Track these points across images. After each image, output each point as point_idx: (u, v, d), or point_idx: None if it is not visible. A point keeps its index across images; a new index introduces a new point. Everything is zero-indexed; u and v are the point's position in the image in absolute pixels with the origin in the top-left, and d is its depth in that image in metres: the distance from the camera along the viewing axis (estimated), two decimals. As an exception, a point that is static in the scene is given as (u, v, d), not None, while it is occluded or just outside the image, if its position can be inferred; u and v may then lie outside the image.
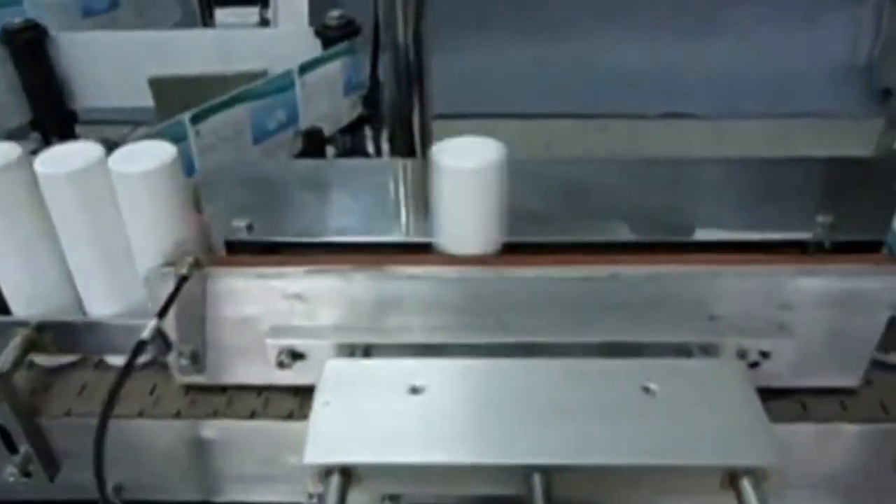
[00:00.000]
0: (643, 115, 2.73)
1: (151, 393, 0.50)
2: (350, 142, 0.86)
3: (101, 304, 0.49)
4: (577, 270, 0.44)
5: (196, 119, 0.67)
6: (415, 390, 0.42)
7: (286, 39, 0.81)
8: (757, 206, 0.52)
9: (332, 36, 0.80)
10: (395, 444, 0.39)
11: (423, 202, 0.56)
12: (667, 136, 2.73)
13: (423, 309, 0.45)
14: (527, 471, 0.38)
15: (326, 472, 0.38)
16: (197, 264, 0.44)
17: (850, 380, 0.48)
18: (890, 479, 0.49)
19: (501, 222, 0.46)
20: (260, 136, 0.74)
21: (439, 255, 0.46)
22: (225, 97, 0.70)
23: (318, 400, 0.42)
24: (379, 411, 0.41)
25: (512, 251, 0.48)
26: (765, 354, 0.45)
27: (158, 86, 0.87)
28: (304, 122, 0.77)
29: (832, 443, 0.49)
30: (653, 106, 2.77)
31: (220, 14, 0.90)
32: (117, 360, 0.51)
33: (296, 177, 0.62)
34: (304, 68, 0.75)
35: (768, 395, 0.48)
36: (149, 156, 0.44)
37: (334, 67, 0.78)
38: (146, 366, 0.50)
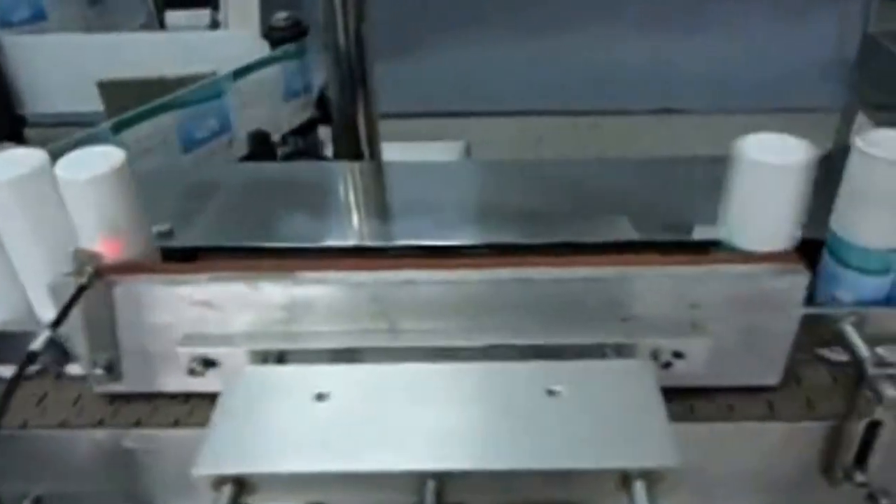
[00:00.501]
0: (635, 111, 2.73)
1: (75, 403, 0.49)
2: (303, 143, 0.86)
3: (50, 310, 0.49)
4: (485, 274, 0.44)
5: (118, 128, 0.67)
6: (320, 397, 0.42)
7: (233, 42, 0.81)
8: (676, 206, 0.52)
9: (279, 38, 0.80)
10: (291, 453, 0.39)
11: (348, 204, 0.55)
12: (659, 132, 2.73)
13: (333, 314, 0.45)
14: (420, 477, 0.38)
15: (219, 481, 0.38)
16: (98, 273, 0.43)
17: (771, 378, 0.48)
18: (815, 476, 0.49)
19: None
20: (189, 144, 0.73)
21: (348, 260, 0.46)
22: (149, 106, 0.70)
23: (218, 409, 0.41)
24: (280, 419, 0.41)
25: (428, 254, 0.48)
26: (678, 354, 0.45)
27: (107, 89, 0.86)
28: (240, 129, 0.77)
29: (758, 441, 0.48)
30: (645, 102, 2.78)
31: (171, 16, 0.89)
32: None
33: (227, 181, 0.61)
34: (238, 74, 0.74)
35: (692, 394, 0.48)
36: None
37: (274, 71, 0.78)
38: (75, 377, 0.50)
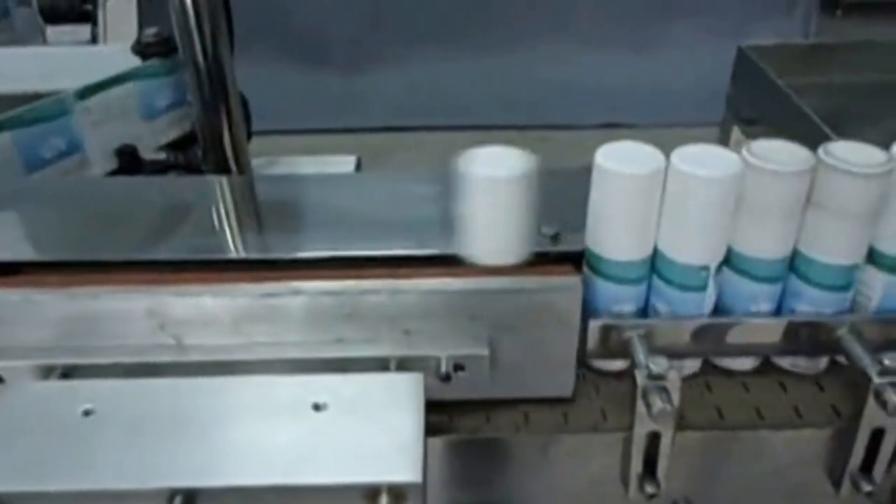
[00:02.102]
0: (583, 125, 2.77)
1: None
2: (182, 158, 0.86)
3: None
4: (260, 287, 0.44)
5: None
6: (87, 413, 0.42)
7: (104, 57, 0.81)
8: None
9: (149, 53, 0.80)
10: (48, 471, 0.39)
11: (170, 218, 0.55)
12: (604, 144, 2.77)
13: (115, 329, 0.45)
14: (170, 494, 0.38)
15: (-31, 499, 0.38)
16: None
17: (563, 389, 0.48)
18: (614, 485, 0.49)
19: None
20: (34, 164, 0.72)
21: (124, 275, 0.46)
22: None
23: (-18, 425, 0.41)
24: (41, 435, 0.40)
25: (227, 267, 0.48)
26: (459, 367, 0.45)
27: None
28: (95, 148, 0.76)
29: (553, 451, 0.49)
30: (592, 117, 2.82)
31: (52, 32, 0.89)
32: None
33: (62, 196, 0.61)
34: (85, 92, 0.74)
35: (491, 405, 0.48)
36: None
37: (129, 89, 0.77)
38: None
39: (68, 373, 0.46)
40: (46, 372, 0.46)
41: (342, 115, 2.75)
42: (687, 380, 0.44)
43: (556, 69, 2.87)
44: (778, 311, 0.48)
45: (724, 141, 0.92)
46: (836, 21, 3.36)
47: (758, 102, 0.87)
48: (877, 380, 0.42)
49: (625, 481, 0.48)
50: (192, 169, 0.86)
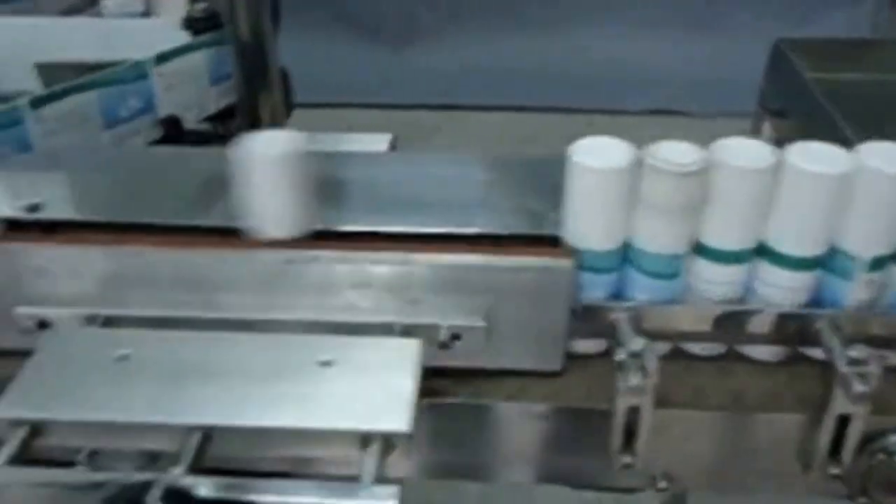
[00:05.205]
0: (631, 111, 2.74)
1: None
2: (222, 129, 0.91)
3: None
4: (279, 254, 0.49)
5: (36, 104, 0.72)
6: (122, 357, 0.47)
7: (154, 30, 0.86)
8: (505, 202, 0.55)
9: (197, 28, 0.85)
10: (80, 404, 0.44)
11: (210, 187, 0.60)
12: (653, 133, 2.74)
13: (155, 285, 0.50)
14: (187, 429, 0.43)
15: (15, 423, 0.44)
16: (-59, 238, 0.49)
17: (552, 364, 0.52)
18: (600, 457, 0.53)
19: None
20: (111, 122, 0.78)
21: (162, 237, 0.51)
22: (69, 84, 0.75)
23: (30, 361, 0.47)
24: (80, 375, 0.46)
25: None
26: (456, 336, 0.50)
27: (45, 71, 0.92)
28: (163, 111, 0.82)
29: (539, 421, 0.53)
30: (642, 102, 2.79)
31: (106, 3, 0.95)
32: None
33: (118, 163, 0.67)
34: (161, 58, 0.80)
35: (470, 374, 0.52)
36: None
37: (197, 58, 0.83)
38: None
39: (108, 322, 0.51)
40: (89, 320, 0.51)
41: (390, 91, 2.78)
42: (664, 361, 0.47)
43: (607, 51, 2.84)
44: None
45: (752, 133, 0.93)
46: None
47: (787, 97, 0.88)
48: (844, 369, 0.45)
49: (609, 452, 0.52)
50: (230, 140, 0.91)
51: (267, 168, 0.48)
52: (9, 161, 0.67)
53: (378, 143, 1.03)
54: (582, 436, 0.53)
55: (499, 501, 1.38)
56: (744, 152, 0.43)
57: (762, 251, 0.46)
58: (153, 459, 0.47)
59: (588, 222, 0.47)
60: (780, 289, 0.47)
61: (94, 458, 0.49)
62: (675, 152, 0.44)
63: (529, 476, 0.56)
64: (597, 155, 0.45)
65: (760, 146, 0.44)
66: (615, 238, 0.48)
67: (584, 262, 0.48)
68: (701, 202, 0.44)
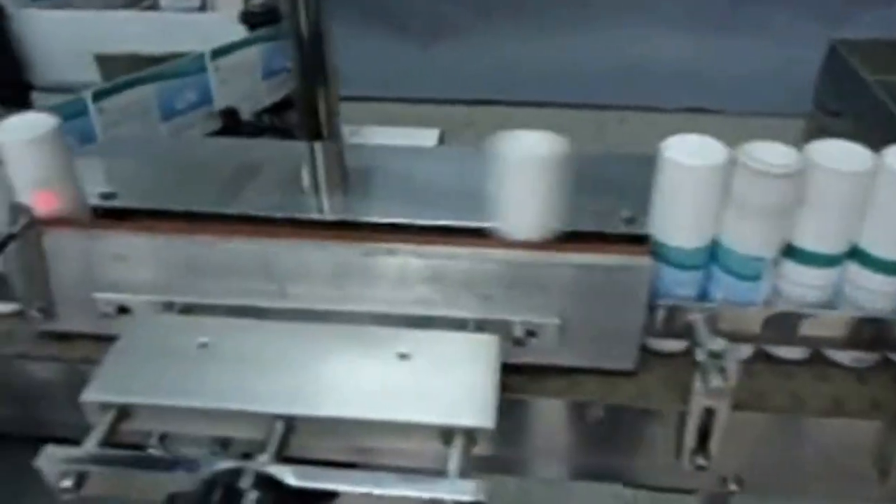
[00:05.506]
0: (664, 108, 2.72)
1: (9, 335, 0.56)
2: (277, 121, 0.92)
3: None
4: (360, 247, 0.49)
5: (98, 96, 0.73)
6: (203, 345, 0.48)
7: (212, 24, 0.87)
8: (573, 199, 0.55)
9: (255, 22, 0.86)
10: (165, 390, 0.45)
11: (269, 179, 0.61)
12: (686, 130, 2.72)
13: (231, 274, 0.51)
14: (270, 419, 0.43)
15: (104, 407, 0.44)
16: (29, 225, 0.50)
17: (625, 363, 0.52)
18: (667, 457, 0.53)
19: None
20: (169, 114, 0.80)
21: (239, 227, 0.51)
22: (130, 77, 0.76)
23: (115, 347, 0.48)
24: (163, 361, 0.47)
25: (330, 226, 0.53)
26: (531, 333, 0.50)
27: (104, 62, 0.94)
28: (219, 103, 0.83)
29: (610, 419, 0.52)
30: (675, 100, 2.76)
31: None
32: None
33: (180, 153, 0.68)
34: (218, 53, 0.81)
35: (544, 371, 0.52)
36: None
37: (252, 52, 0.84)
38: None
39: (186, 309, 0.52)
40: (167, 307, 0.52)
41: (419, 86, 2.79)
42: (742, 363, 0.47)
43: (640, 47, 2.82)
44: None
45: (808, 133, 0.92)
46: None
47: (843, 96, 0.87)
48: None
49: (678, 454, 0.52)
50: (284, 132, 0.92)
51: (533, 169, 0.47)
52: (79, 150, 0.68)
53: (427, 137, 1.04)
54: (630, 434, 0.53)
55: (536, 496, 1.38)
56: (840, 155, 0.43)
57: (855, 254, 0.46)
58: (224, 445, 0.48)
59: (679, 219, 0.47)
60: (871, 292, 0.46)
61: (165, 443, 0.49)
62: (770, 153, 0.43)
63: (564, 472, 0.56)
64: (691, 152, 0.45)
65: (857, 149, 0.44)
66: (704, 236, 0.47)
67: (670, 258, 0.48)
68: (794, 204, 0.44)
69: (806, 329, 0.49)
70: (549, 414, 0.52)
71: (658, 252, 0.49)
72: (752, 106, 2.47)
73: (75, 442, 0.43)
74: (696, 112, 2.77)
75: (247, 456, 0.46)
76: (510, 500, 1.34)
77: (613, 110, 2.73)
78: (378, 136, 0.99)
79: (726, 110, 2.71)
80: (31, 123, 0.51)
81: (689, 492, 0.58)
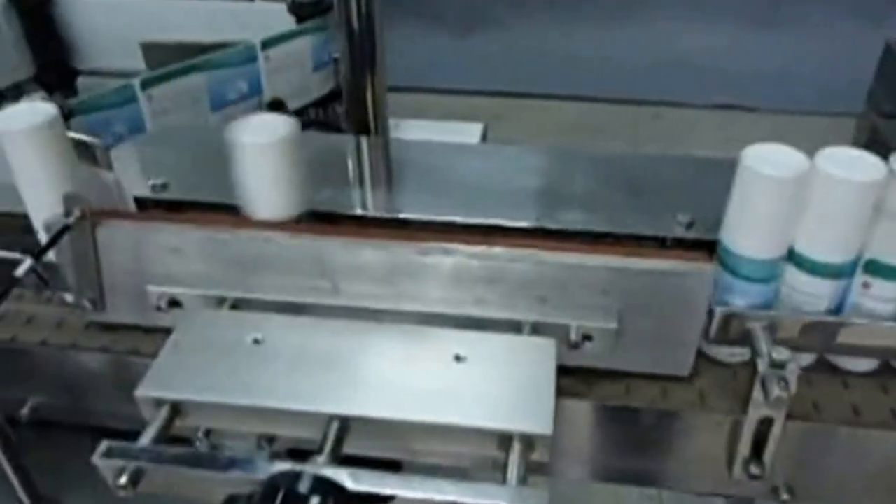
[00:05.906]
0: (700, 104, 2.70)
1: (59, 326, 0.57)
2: (322, 114, 0.91)
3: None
4: (416, 246, 0.48)
5: (146, 84, 0.73)
6: (256, 341, 0.48)
7: (261, 14, 0.87)
8: (628, 201, 0.54)
9: (304, 13, 0.86)
10: (220, 387, 0.45)
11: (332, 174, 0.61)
12: (720, 127, 2.69)
13: (284, 271, 0.51)
14: (326, 418, 0.43)
15: (158, 403, 0.44)
16: (84, 216, 0.50)
17: (680, 369, 0.51)
18: (717, 464, 0.52)
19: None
20: (219, 104, 0.79)
21: (294, 224, 0.51)
22: (180, 65, 0.76)
23: (169, 342, 0.47)
24: (218, 357, 0.47)
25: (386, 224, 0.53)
26: (587, 337, 0.49)
27: (150, 50, 0.94)
28: (269, 94, 0.83)
29: (663, 425, 0.52)
30: (711, 96, 2.73)
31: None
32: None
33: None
34: (268, 43, 0.81)
35: (598, 375, 0.51)
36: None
37: (302, 43, 0.83)
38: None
39: (236, 305, 0.52)
40: (218, 302, 0.52)
41: (452, 77, 2.77)
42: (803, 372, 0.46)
43: (676, 42, 2.79)
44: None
45: (860, 133, 0.90)
46: None
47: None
48: None
49: (730, 462, 0.51)
50: (330, 125, 0.91)
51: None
52: (130, 140, 0.68)
53: (470, 131, 1.03)
54: (682, 440, 0.52)
55: (560, 490, 1.37)
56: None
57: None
58: (269, 441, 0.48)
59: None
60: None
61: (209, 438, 0.49)
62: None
63: (608, 476, 0.55)
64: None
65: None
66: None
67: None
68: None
69: (872, 339, 0.48)
70: (601, 418, 0.51)
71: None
72: (787, 104, 2.44)
73: (122, 432, 0.43)
74: (730, 109, 2.73)
75: (294, 452, 0.46)
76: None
77: (648, 105, 2.71)
78: (421, 130, 0.98)
79: (760, 108, 2.68)
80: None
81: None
